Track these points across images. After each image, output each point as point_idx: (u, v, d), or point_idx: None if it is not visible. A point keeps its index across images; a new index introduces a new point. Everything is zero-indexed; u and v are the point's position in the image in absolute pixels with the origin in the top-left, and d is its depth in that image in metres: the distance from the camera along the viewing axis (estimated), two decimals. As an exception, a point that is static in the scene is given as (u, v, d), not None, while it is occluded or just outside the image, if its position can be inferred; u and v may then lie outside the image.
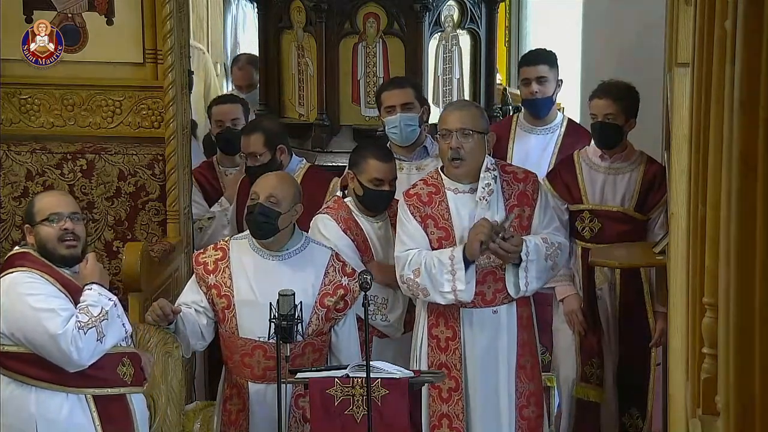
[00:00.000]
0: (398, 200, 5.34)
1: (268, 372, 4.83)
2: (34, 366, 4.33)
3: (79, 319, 4.32)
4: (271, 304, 4.56)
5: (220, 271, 4.91)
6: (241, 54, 9.26)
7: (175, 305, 4.88)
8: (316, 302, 4.87)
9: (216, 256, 4.95)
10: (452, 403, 5.15)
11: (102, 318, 4.36)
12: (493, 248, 4.99)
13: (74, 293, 4.43)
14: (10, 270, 4.44)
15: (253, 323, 4.82)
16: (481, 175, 5.12)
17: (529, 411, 5.21)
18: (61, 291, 4.41)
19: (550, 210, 5.31)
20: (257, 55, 7.90)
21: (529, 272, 5.08)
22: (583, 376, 5.84)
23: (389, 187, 5.38)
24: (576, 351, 5.86)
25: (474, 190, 5.14)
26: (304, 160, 6.18)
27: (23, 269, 4.43)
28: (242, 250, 4.94)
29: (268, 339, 4.68)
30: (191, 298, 4.94)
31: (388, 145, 5.86)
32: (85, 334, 4.30)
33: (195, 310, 4.90)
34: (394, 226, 5.40)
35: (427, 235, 5.12)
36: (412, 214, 5.14)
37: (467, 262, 5.00)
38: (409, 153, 5.82)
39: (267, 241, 4.89)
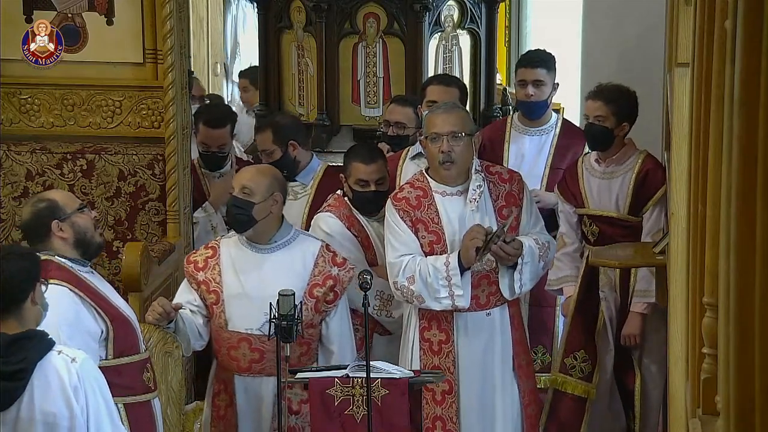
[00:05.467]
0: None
1: (253, 365, 4.84)
2: None
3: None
4: (271, 304, 4.55)
5: (210, 267, 4.92)
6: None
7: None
8: (305, 293, 4.86)
9: (206, 254, 4.98)
10: (446, 405, 5.13)
11: None
12: (495, 250, 4.97)
13: (99, 301, 4.31)
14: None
15: (241, 316, 4.83)
16: (473, 177, 5.08)
17: (530, 409, 5.22)
18: (91, 306, 4.24)
19: (535, 209, 5.29)
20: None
21: (524, 274, 5.06)
22: (562, 366, 5.80)
23: (376, 187, 5.34)
24: (561, 341, 5.84)
25: (462, 193, 5.10)
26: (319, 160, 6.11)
27: (55, 281, 4.15)
28: (232, 246, 4.97)
29: (269, 338, 4.66)
30: (185, 298, 4.95)
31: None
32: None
33: (190, 310, 4.91)
34: None
35: (418, 239, 5.08)
36: (401, 218, 5.07)
37: (462, 269, 4.97)
38: None
39: (249, 233, 4.89)
